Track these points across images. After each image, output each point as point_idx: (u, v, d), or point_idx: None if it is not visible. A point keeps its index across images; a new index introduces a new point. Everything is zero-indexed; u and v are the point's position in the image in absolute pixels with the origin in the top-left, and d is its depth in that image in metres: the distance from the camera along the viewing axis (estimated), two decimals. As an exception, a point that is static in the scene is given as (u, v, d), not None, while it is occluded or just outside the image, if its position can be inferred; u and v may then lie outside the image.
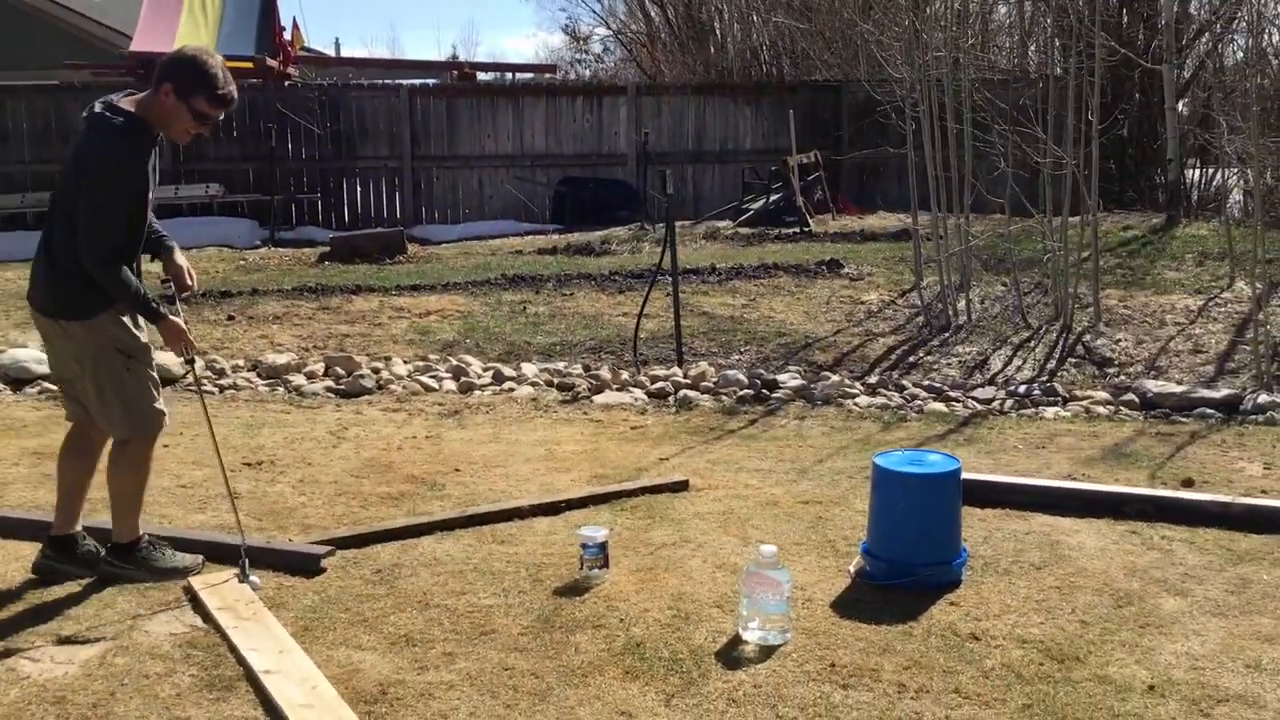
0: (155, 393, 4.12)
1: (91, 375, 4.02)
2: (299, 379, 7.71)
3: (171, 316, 4.01)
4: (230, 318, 9.39)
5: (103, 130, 3.87)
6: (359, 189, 17.90)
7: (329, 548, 4.37)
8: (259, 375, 7.86)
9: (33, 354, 7.83)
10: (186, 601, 3.98)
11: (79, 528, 4.23)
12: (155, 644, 3.64)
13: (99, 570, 4.13)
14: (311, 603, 3.96)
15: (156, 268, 4.27)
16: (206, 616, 3.82)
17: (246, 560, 4.11)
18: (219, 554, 4.32)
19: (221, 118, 4.09)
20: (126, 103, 3.96)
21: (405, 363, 8.09)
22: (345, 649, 3.61)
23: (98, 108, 3.94)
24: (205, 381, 7.79)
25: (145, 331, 4.11)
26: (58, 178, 4.06)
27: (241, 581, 4.05)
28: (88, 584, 4.11)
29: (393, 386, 7.58)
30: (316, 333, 9.01)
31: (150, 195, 3.96)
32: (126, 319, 4.02)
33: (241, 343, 8.69)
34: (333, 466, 5.73)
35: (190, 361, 4.22)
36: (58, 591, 4.05)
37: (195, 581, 4.07)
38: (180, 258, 4.19)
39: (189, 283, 4.19)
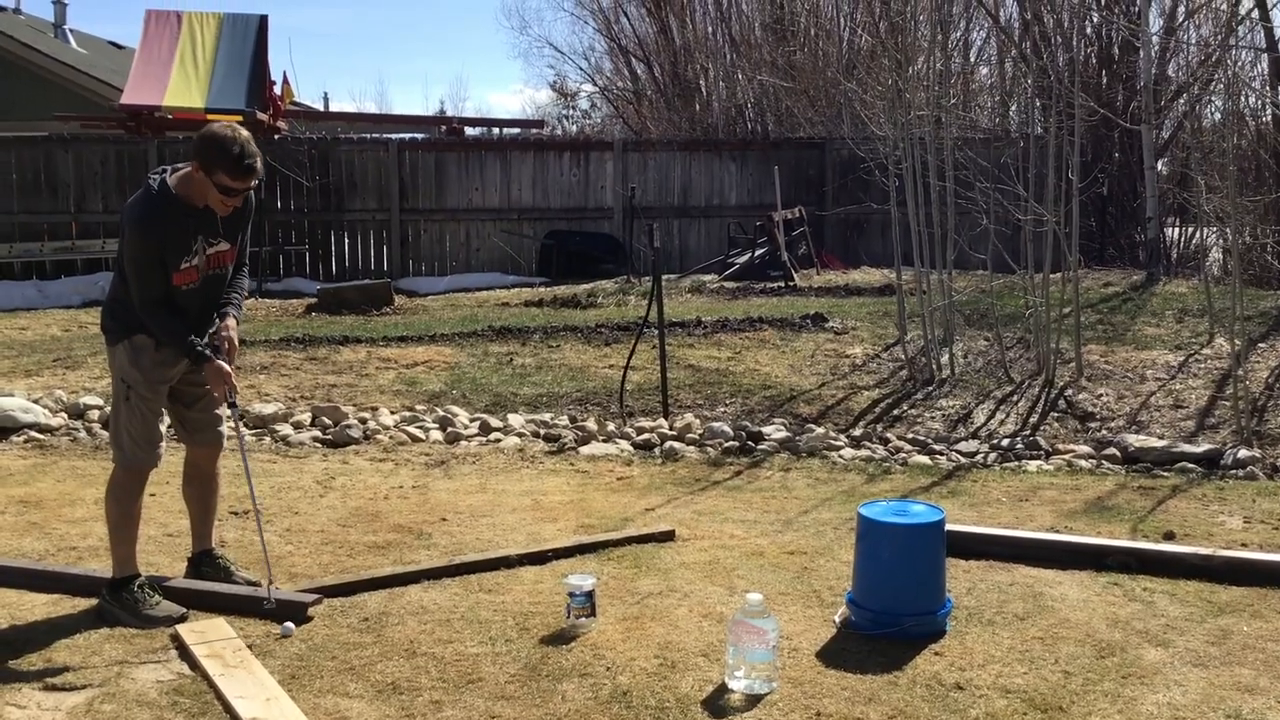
0: (148, 431, 4.32)
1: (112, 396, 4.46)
2: (286, 429, 7.73)
3: (217, 360, 4.23)
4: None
5: (139, 194, 4.22)
6: (347, 241, 17.99)
7: (316, 596, 4.38)
8: (246, 425, 7.86)
9: (19, 402, 7.84)
10: (174, 649, 3.98)
11: (211, 544, 4.71)
12: (142, 691, 3.64)
13: (100, 600, 4.32)
14: (299, 651, 3.97)
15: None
16: (194, 664, 3.82)
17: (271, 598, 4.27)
18: (205, 603, 4.33)
19: (254, 185, 4.26)
20: (174, 176, 4.23)
21: (392, 413, 8.11)
22: (333, 697, 3.61)
23: (152, 174, 4.28)
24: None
25: (169, 372, 4.37)
26: None
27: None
28: (76, 629, 4.11)
29: (380, 436, 7.60)
30: (304, 383, 9.03)
31: (189, 261, 4.23)
32: (147, 356, 4.28)
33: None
34: (319, 516, 5.74)
35: (232, 405, 4.37)
36: (44, 638, 4.05)
37: (183, 629, 4.07)
38: (229, 325, 4.39)
39: (224, 347, 4.34)
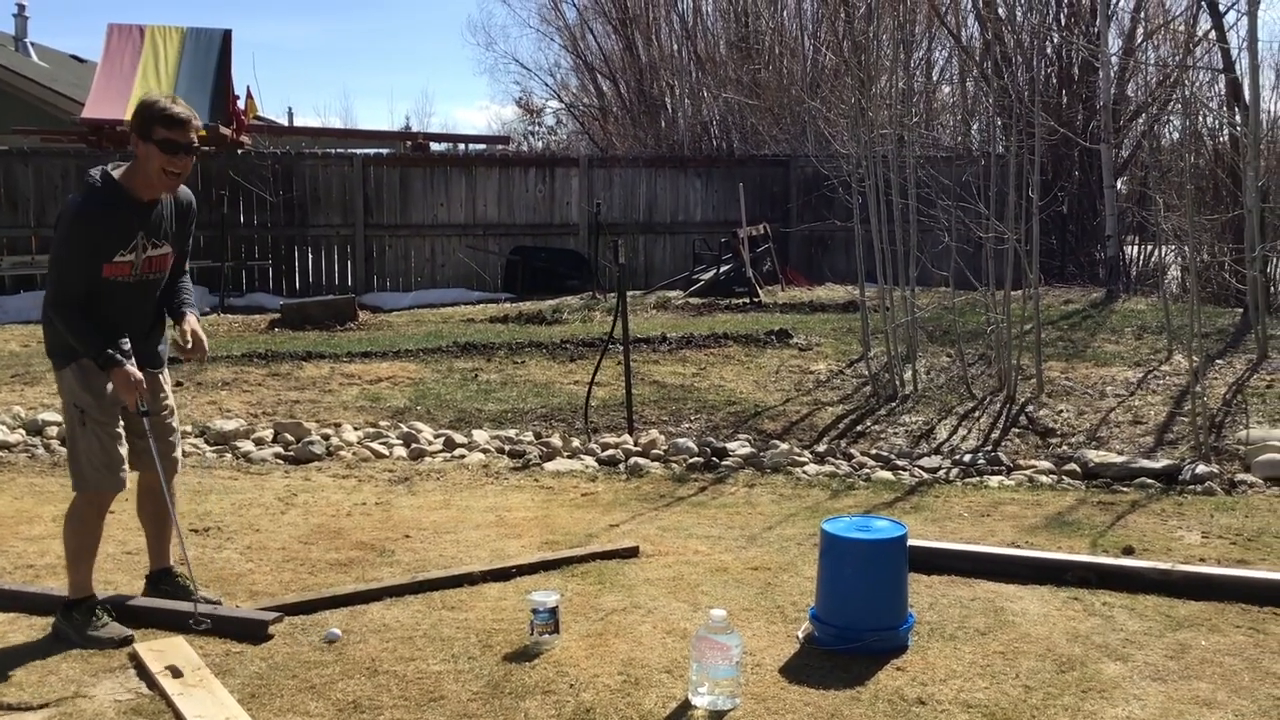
0: (107, 456, 4.19)
1: (64, 423, 4.32)
2: (247, 445, 7.67)
3: (127, 366, 4.06)
4: (178, 384, 9.32)
5: (81, 188, 4.09)
6: (311, 256, 17.91)
7: (277, 614, 4.34)
8: (207, 441, 7.81)
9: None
10: (132, 667, 3.93)
11: (170, 561, 4.60)
12: (100, 710, 3.60)
13: (55, 619, 4.27)
14: (259, 669, 3.93)
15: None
16: (152, 683, 3.78)
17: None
18: (166, 621, 4.29)
19: (192, 142, 4.12)
20: (117, 170, 4.14)
21: (355, 429, 8.07)
22: (293, 716, 3.58)
23: (92, 170, 4.16)
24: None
25: (113, 397, 4.18)
26: None
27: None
28: (32, 648, 4.06)
29: (343, 453, 7.55)
30: (266, 399, 8.97)
31: (125, 255, 4.09)
32: (98, 378, 4.11)
33: (189, 409, 8.63)
34: (281, 533, 5.70)
35: (144, 414, 4.21)
36: (1, 657, 3.99)
37: (141, 648, 4.02)
38: (189, 322, 4.33)
39: (187, 345, 4.29)
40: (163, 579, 4.56)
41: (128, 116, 18.70)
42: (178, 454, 4.56)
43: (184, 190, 4.31)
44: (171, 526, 4.50)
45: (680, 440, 7.67)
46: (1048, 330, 10.62)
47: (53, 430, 7.89)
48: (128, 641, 4.11)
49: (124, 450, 4.26)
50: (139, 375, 4.10)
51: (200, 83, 18.19)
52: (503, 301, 16.15)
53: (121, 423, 4.25)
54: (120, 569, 5.05)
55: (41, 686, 3.76)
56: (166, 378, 4.51)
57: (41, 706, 3.62)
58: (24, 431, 7.93)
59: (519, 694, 3.73)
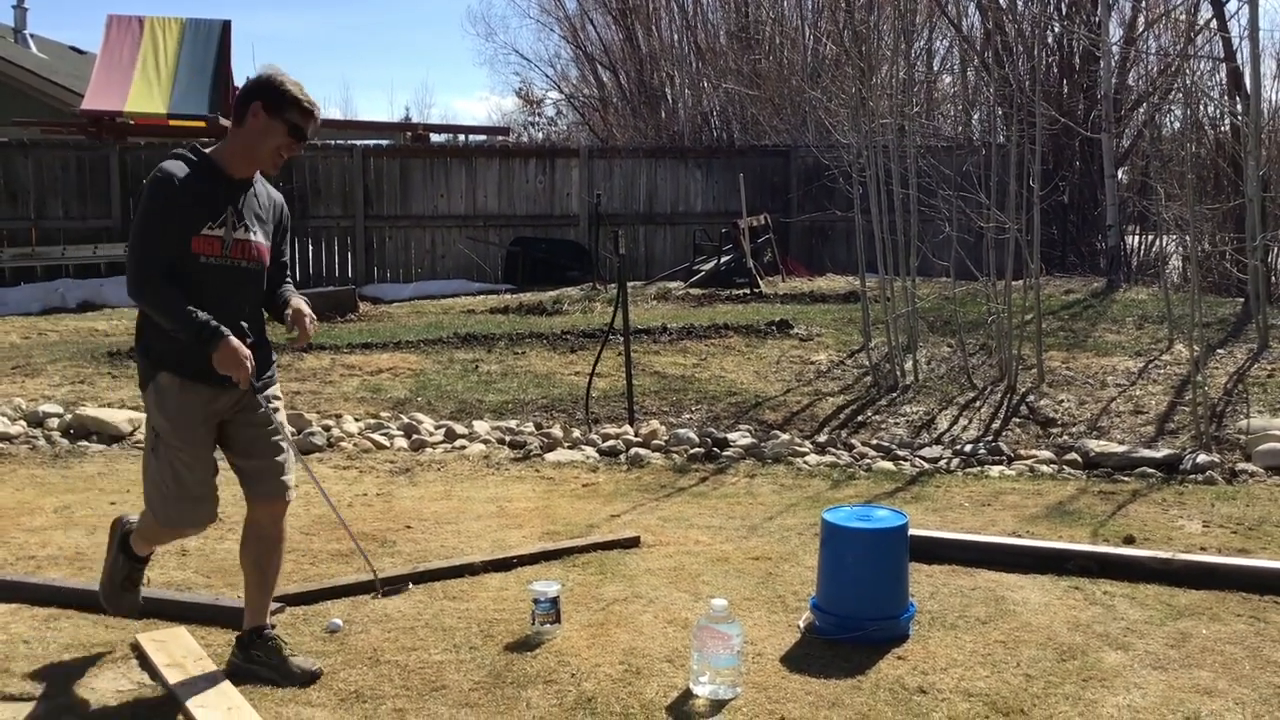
0: (180, 488, 3.73)
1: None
2: (249, 436, 7.66)
3: (233, 339, 3.55)
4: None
5: (160, 164, 3.66)
6: (311, 248, 17.91)
7: (278, 604, 4.33)
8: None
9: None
10: (134, 658, 3.94)
11: (266, 619, 3.89)
12: (102, 701, 3.60)
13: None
14: (261, 659, 3.93)
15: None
16: (154, 673, 3.78)
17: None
18: (168, 611, 4.29)
19: (309, 136, 3.80)
20: (207, 149, 3.78)
21: (356, 420, 8.08)
22: (295, 705, 3.59)
23: (169, 151, 3.76)
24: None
25: (204, 413, 3.72)
26: None
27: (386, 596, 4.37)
28: (34, 639, 4.06)
29: (343, 444, 7.56)
30: (267, 390, 8.96)
31: (215, 229, 3.62)
32: (172, 400, 3.65)
33: (190, 400, 8.63)
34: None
35: (252, 391, 3.71)
36: (2, 648, 4.00)
37: (142, 637, 4.03)
38: (294, 302, 3.86)
39: (290, 327, 3.81)
40: (254, 642, 3.83)
41: (127, 107, 18.69)
42: (288, 478, 3.91)
43: (276, 192, 3.98)
44: (274, 580, 3.93)
45: (681, 431, 7.67)
46: (1049, 320, 10.62)
47: (53, 422, 7.90)
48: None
49: (209, 482, 3.80)
50: (246, 350, 3.60)
51: (200, 74, 18.20)
52: (503, 293, 16.15)
53: (205, 452, 3.78)
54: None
55: (44, 678, 3.77)
56: (279, 394, 3.96)
57: (44, 698, 3.63)
58: (25, 423, 7.93)
59: (520, 683, 3.74)
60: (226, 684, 3.66)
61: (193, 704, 3.51)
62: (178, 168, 3.60)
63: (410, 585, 4.61)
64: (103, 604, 4.04)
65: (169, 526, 3.85)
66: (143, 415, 7.76)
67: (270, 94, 3.65)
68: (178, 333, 3.54)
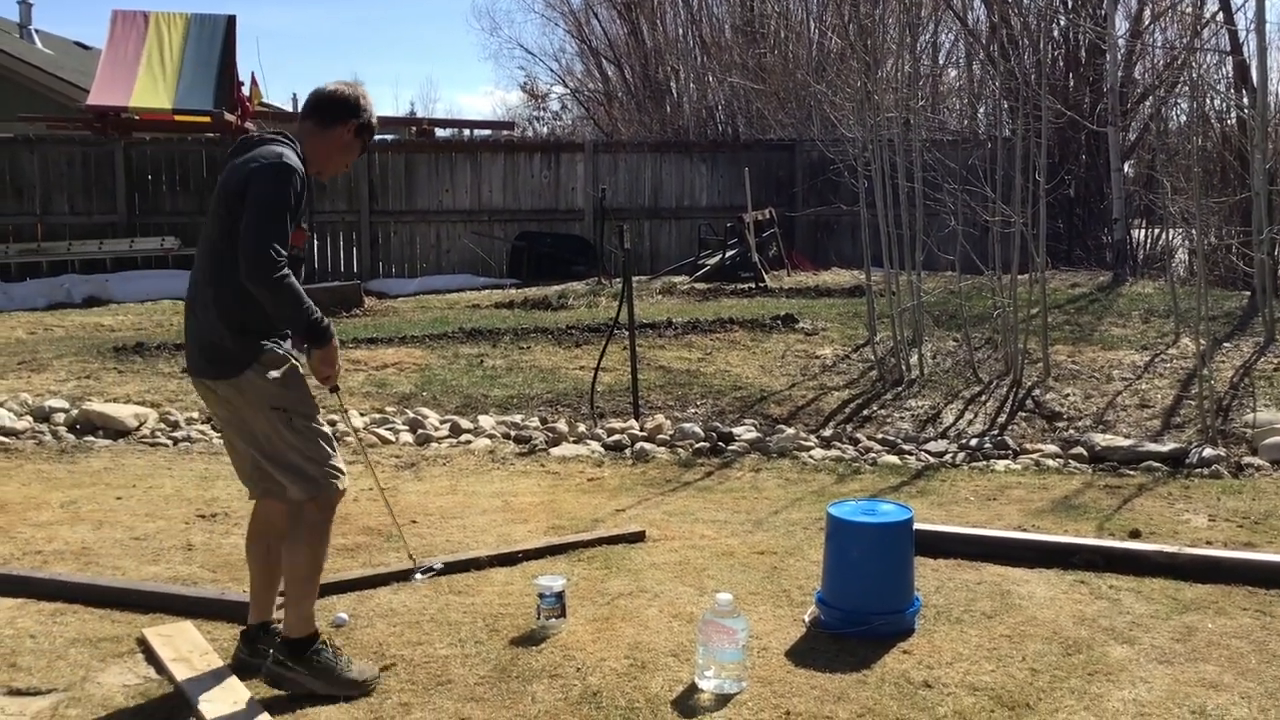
0: (327, 451, 3.68)
1: (250, 440, 3.67)
2: (254, 431, 7.67)
3: (336, 339, 3.63)
4: (185, 370, 9.34)
5: (275, 149, 3.60)
6: (316, 243, 17.89)
7: (284, 599, 4.34)
8: (213, 428, 7.82)
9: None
10: (140, 652, 3.95)
11: (272, 615, 3.86)
12: (108, 695, 3.61)
13: (265, 672, 3.64)
14: (266, 654, 3.93)
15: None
16: (160, 668, 3.79)
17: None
18: (174, 606, 4.30)
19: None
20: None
21: (361, 415, 8.08)
22: (300, 700, 3.59)
23: (266, 137, 3.69)
24: (159, 434, 7.74)
25: (301, 386, 3.70)
26: (208, 215, 3.66)
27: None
28: (40, 634, 4.07)
29: (349, 439, 7.55)
30: (272, 385, 8.97)
31: (303, 221, 3.68)
32: (290, 373, 3.62)
33: (196, 395, 8.64)
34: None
35: (335, 390, 3.82)
36: (9, 642, 4.01)
37: (148, 632, 4.04)
38: None
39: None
40: (259, 636, 3.82)
41: (132, 103, 18.64)
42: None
43: None
44: (279, 576, 3.83)
45: (686, 425, 7.67)
46: (1054, 314, 10.59)
47: (59, 418, 7.91)
48: (379, 678, 3.71)
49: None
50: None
51: (205, 69, 18.18)
52: (508, 287, 16.15)
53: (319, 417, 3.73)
54: (128, 554, 5.07)
55: (50, 672, 3.78)
56: None
57: (50, 691, 3.64)
58: (31, 418, 7.95)
59: (526, 677, 3.74)
60: (233, 678, 3.67)
61: (199, 698, 3.52)
62: (297, 162, 3.58)
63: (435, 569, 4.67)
64: (362, 695, 3.62)
65: (330, 496, 3.67)
66: (149, 410, 7.76)
67: (365, 121, 3.81)
68: (294, 321, 3.52)
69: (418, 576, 4.46)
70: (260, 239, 3.42)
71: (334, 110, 3.76)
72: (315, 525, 3.66)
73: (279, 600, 3.90)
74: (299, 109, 29.91)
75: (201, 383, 3.72)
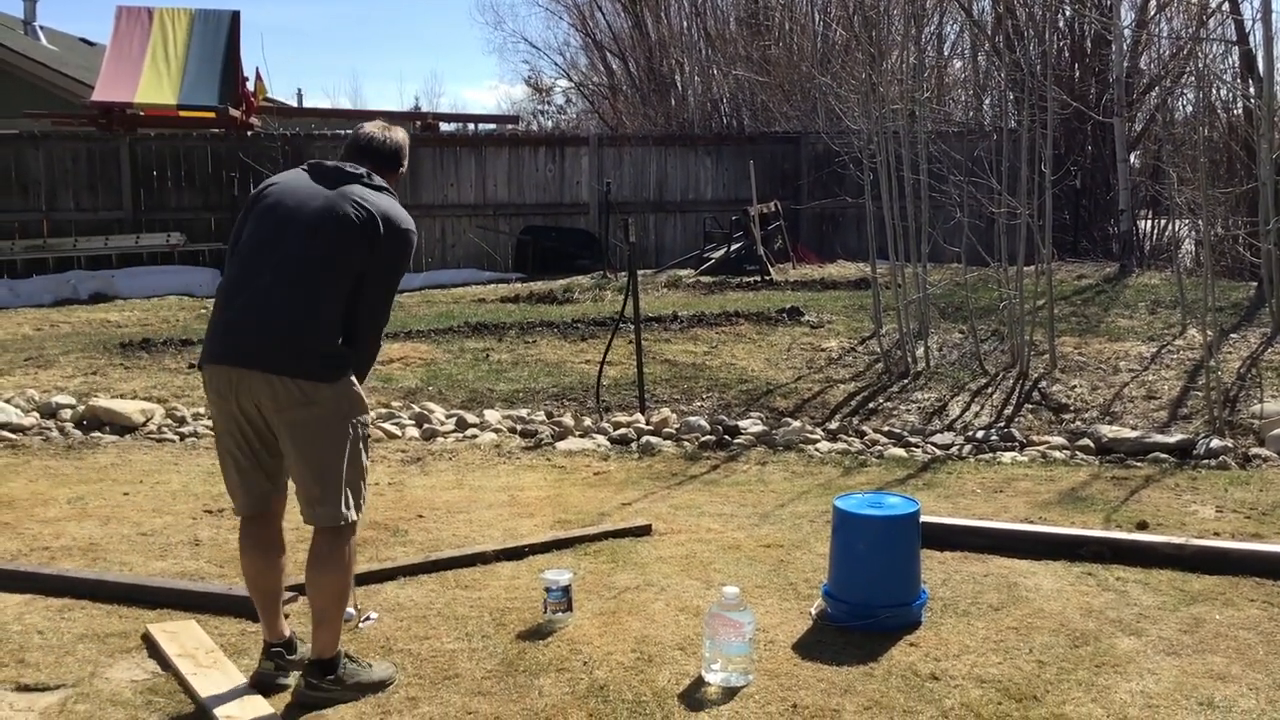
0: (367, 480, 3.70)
1: (308, 445, 3.55)
2: (260, 427, 7.68)
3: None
4: (192, 365, 9.35)
5: (405, 214, 3.65)
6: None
7: (291, 594, 4.34)
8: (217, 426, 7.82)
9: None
10: (146, 648, 3.95)
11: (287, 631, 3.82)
12: (116, 691, 3.62)
13: (300, 696, 3.56)
14: (274, 649, 3.93)
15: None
16: (166, 664, 3.80)
17: None
18: (182, 601, 4.31)
19: None
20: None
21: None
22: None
23: (379, 183, 3.67)
24: (166, 430, 7.75)
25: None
26: (311, 227, 3.51)
27: None
28: (48, 629, 4.08)
29: (355, 434, 7.56)
30: (278, 380, 8.97)
31: None
32: (360, 388, 3.61)
33: (203, 390, 8.65)
34: (293, 513, 5.69)
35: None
36: (17, 638, 4.01)
37: (154, 628, 4.04)
38: None
39: None
40: (285, 654, 3.74)
41: (137, 99, 18.67)
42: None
43: None
44: (282, 585, 3.83)
45: (692, 419, 7.66)
46: (1061, 305, 10.57)
47: (66, 414, 7.93)
48: (393, 678, 3.70)
49: None
50: None
51: (209, 64, 18.18)
52: (513, 281, 16.15)
53: None
54: (135, 550, 5.07)
55: (58, 667, 3.79)
56: None
57: (58, 687, 3.64)
58: (38, 415, 7.96)
59: (533, 672, 3.74)
60: (239, 674, 3.68)
61: (206, 694, 3.53)
62: None
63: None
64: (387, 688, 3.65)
65: (357, 521, 3.67)
66: (155, 406, 7.78)
67: (404, 154, 3.86)
68: (373, 358, 3.75)
69: (360, 625, 4.16)
70: (390, 302, 3.70)
71: (395, 160, 3.81)
72: (350, 549, 3.64)
73: (286, 595, 3.93)
74: (302, 104, 29.47)
75: (258, 375, 3.49)
